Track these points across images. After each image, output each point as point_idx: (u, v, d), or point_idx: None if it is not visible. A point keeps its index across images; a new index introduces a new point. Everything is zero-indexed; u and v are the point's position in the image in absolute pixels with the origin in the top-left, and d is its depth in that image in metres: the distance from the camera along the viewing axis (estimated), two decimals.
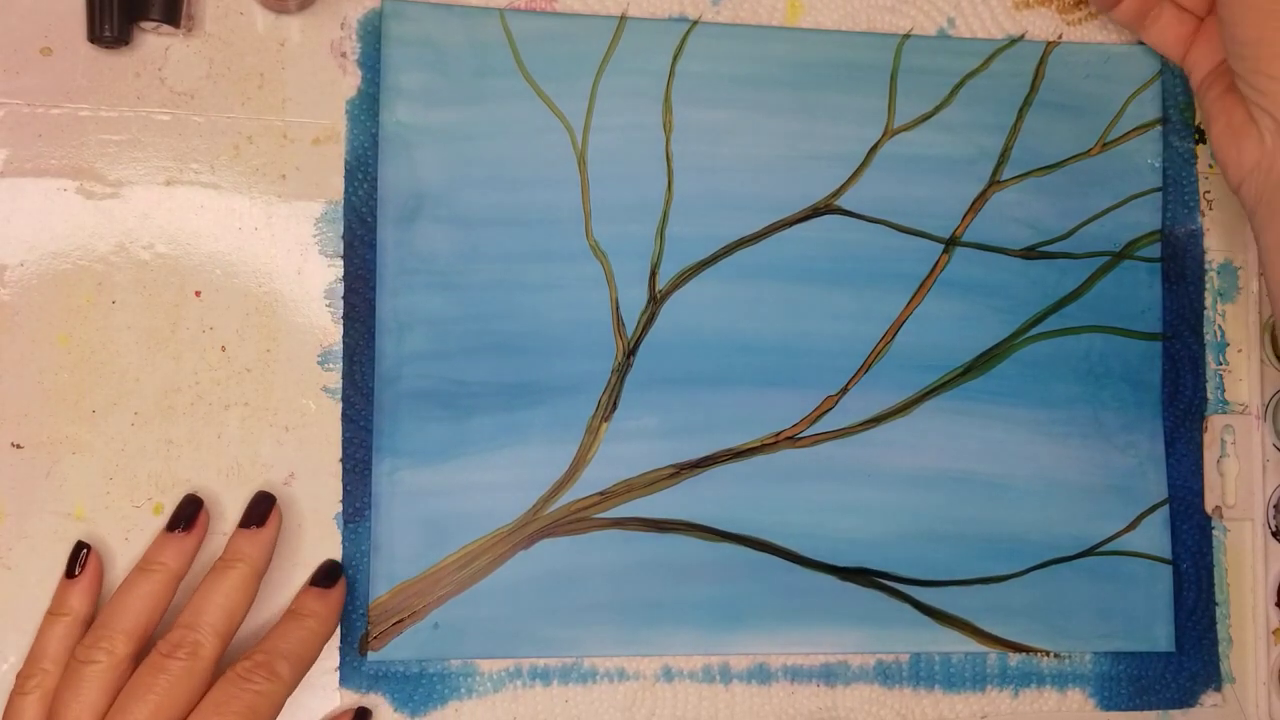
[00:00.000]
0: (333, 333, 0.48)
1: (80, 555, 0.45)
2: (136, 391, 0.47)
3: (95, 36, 0.46)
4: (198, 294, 0.47)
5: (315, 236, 0.48)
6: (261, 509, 0.46)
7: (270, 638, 0.44)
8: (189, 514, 0.45)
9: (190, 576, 0.45)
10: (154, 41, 0.48)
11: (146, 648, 0.43)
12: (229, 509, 0.47)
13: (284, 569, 0.47)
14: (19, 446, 0.46)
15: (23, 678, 0.43)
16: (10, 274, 0.46)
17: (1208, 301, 0.54)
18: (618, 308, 0.50)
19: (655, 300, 0.50)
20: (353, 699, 0.47)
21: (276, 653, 0.43)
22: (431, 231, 0.49)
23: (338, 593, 0.46)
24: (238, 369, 0.48)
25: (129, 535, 0.46)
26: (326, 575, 0.47)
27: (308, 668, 0.44)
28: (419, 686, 0.48)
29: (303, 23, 0.49)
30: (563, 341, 0.49)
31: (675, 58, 0.51)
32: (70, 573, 0.45)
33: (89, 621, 0.44)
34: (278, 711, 0.43)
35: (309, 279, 0.48)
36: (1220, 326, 0.54)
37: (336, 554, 0.48)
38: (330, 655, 0.47)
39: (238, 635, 0.44)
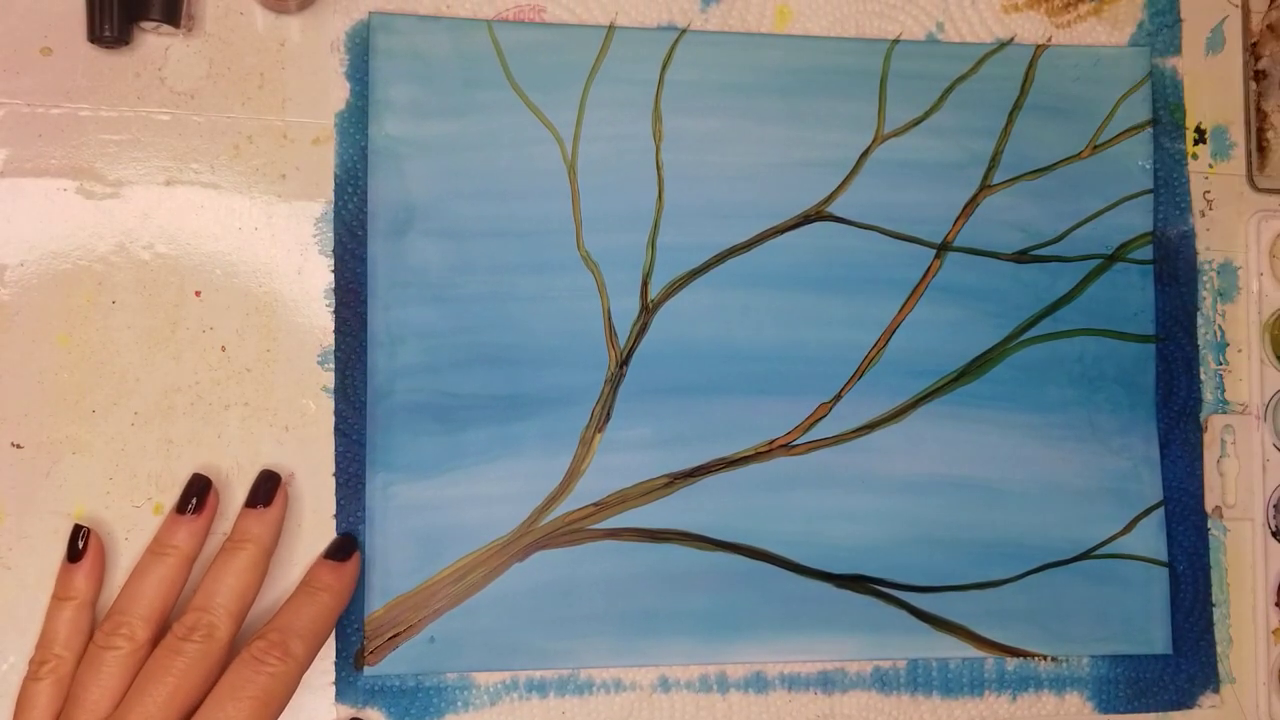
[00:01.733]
0: (333, 332, 0.48)
1: (80, 537, 0.45)
2: (136, 391, 0.47)
3: (95, 36, 0.46)
4: (198, 294, 0.48)
5: (315, 236, 0.48)
6: (267, 488, 0.46)
7: (283, 614, 0.44)
8: (199, 494, 0.45)
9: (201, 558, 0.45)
10: (154, 41, 0.48)
11: (163, 630, 0.43)
12: (230, 509, 0.47)
13: (283, 569, 0.47)
14: (19, 446, 0.46)
15: (35, 663, 0.43)
16: (10, 274, 0.47)
17: (1208, 301, 0.54)
18: (610, 318, 0.50)
19: (647, 310, 0.50)
20: (349, 714, 0.47)
21: (290, 631, 0.43)
22: (422, 244, 0.49)
23: (352, 566, 0.46)
24: (238, 369, 0.48)
25: (129, 535, 0.47)
26: (340, 548, 0.47)
27: (322, 643, 0.45)
28: (415, 700, 0.48)
29: (303, 23, 0.49)
30: (555, 353, 0.49)
31: (664, 66, 0.51)
32: (72, 556, 0.45)
33: (94, 604, 0.45)
34: (293, 690, 0.43)
35: (309, 279, 0.48)
36: (1220, 326, 0.54)
37: None
38: (326, 670, 0.47)
39: (250, 614, 0.44)
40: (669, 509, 0.49)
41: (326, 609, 0.45)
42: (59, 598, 0.44)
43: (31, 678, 0.43)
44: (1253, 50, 0.55)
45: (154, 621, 0.43)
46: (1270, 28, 0.55)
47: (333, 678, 0.47)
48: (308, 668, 0.44)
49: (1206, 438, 0.53)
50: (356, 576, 0.47)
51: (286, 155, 0.48)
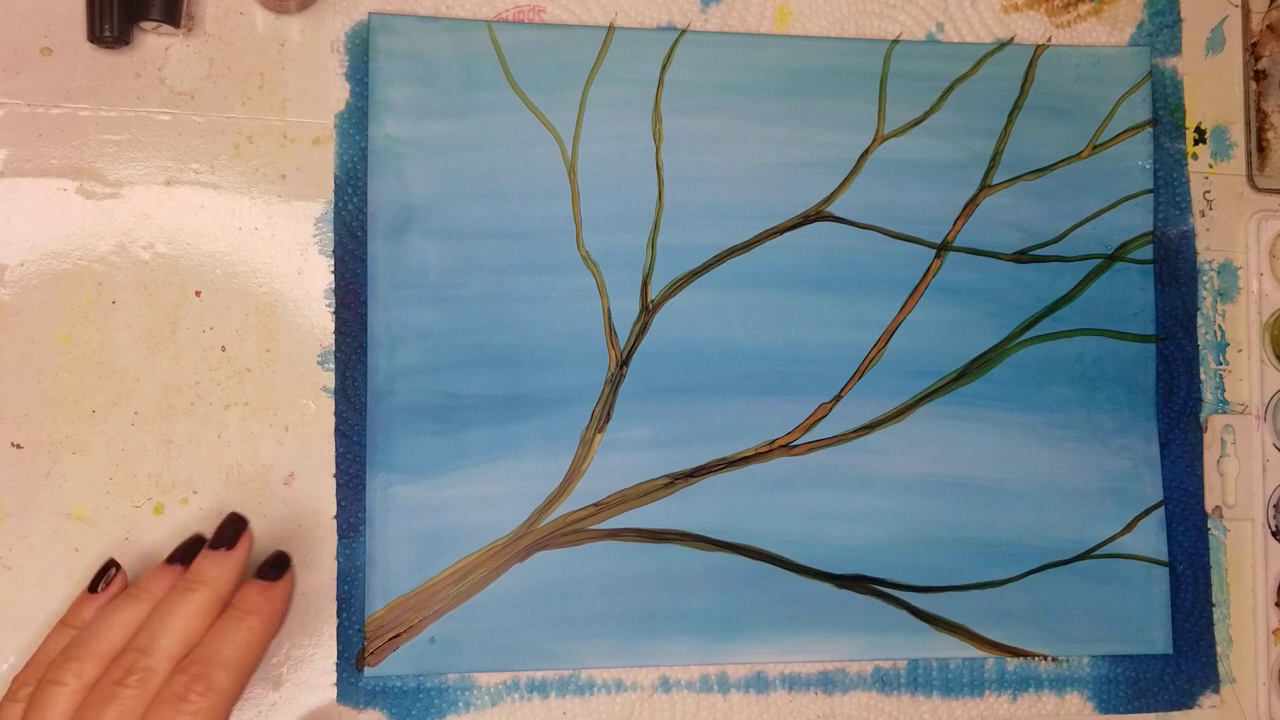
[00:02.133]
0: (333, 333, 0.48)
1: (108, 574, 0.44)
2: (136, 391, 0.47)
3: (95, 36, 0.46)
4: (198, 294, 0.48)
5: (315, 236, 0.48)
6: (233, 530, 0.44)
7: (207, 643, 0.41)
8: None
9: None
10: (154, 41, 0.48)
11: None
12: (229, 510, 0.47)
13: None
14: (19, 446, 0.46)
15: (18, 684, 0.41)
16: (10, 274, 0.47)
17: (1208, 301, 0.54)
18: (610, 318, 0.50)
19: (647, 310, 0.50)
20: (350, 715, 0.47)
21: (214, 662, 0.40)
22: (422, 244, 0.49)
23: (283, 586, 0.44)
24: (238, 369, 0.48)
25: (129, 535, 0.47)
26: (273, 566, 0.44)
27: (251, 672, 0.42)
28: (416, 701, 0.48)
29: (303, 23, 0.49)
30: (555, 353, 0.49)
31: (664, 67, 0.51)
32: (92, 589, 0.44)
33: None
34: None
35: (309, 279, 0.48)
36: (1220, 326, 0.54)
37: (336, 555, 0.48)
38: (328, 671, 0.47)
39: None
40: (669, 509, 0.49)
41: (255, 634, 0.42)
42: (65, 623, 0.43)
43: (10, 698, 0.41)
44: (1253, 50, 0.55)
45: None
46: (1270, 28, 0.55)
47: (334, 679, 0.47)
48: (238, 699, 0.41)
49: (1206, 438, 0.53)
50: (289, 598, 0.45)
51: (286, 155, 0.48)
